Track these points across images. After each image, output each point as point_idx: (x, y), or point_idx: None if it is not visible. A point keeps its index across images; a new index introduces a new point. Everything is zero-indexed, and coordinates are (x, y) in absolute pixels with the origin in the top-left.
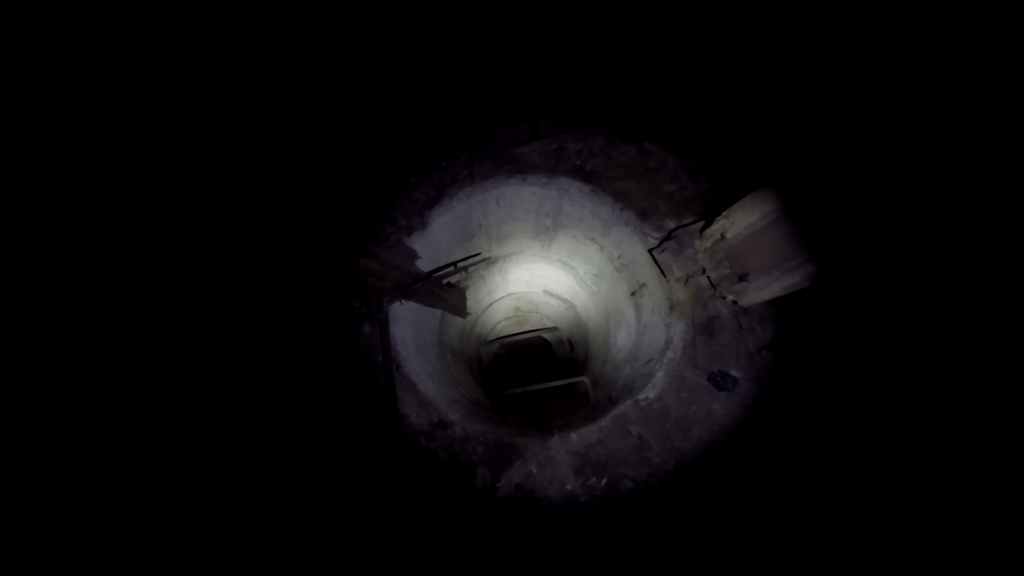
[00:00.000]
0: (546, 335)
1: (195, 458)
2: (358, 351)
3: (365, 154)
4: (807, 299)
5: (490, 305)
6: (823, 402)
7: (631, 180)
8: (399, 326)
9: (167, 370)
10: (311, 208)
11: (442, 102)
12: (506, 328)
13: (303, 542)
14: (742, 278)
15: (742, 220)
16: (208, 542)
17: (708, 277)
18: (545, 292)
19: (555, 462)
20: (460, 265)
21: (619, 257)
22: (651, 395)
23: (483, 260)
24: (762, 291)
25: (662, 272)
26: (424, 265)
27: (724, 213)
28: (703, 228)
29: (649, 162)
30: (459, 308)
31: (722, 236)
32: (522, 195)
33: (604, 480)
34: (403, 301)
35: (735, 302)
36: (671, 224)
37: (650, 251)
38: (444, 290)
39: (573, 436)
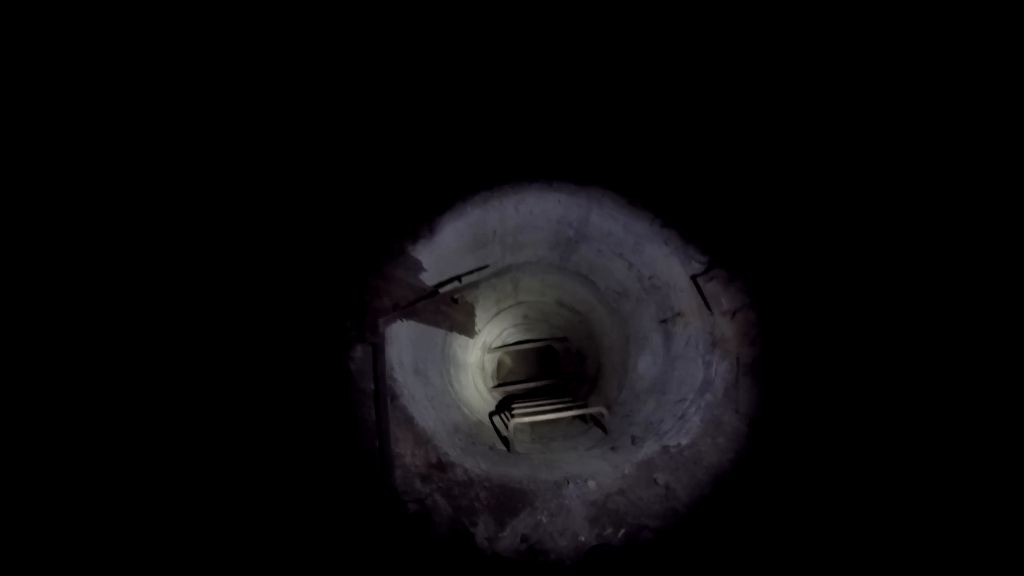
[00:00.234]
0: (554, 345)
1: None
2: (347, 379)
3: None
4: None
5: (498, 313)
6: (876, 456)
7: (676, 195)
8: (396, 345)
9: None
10: (298, 212)
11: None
12: (513, 335)
13: None
14: None
15: None
16: None
17: (760, 312)
18: (558, 303)
19: (568, 511)
20: (466, 280)
21: (650, 278)
22: (684, 441)
23: (491, 273)
24: None
25: (706, 303)
26: (429, 277)
27: None
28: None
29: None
30: (466, 327)
31: None
32: (545, 202)
33: (622, 531)
34: (402, 320)
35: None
36: (721, 248)
37: (693, 277)
38: (450, 307)
39: (591, 484)
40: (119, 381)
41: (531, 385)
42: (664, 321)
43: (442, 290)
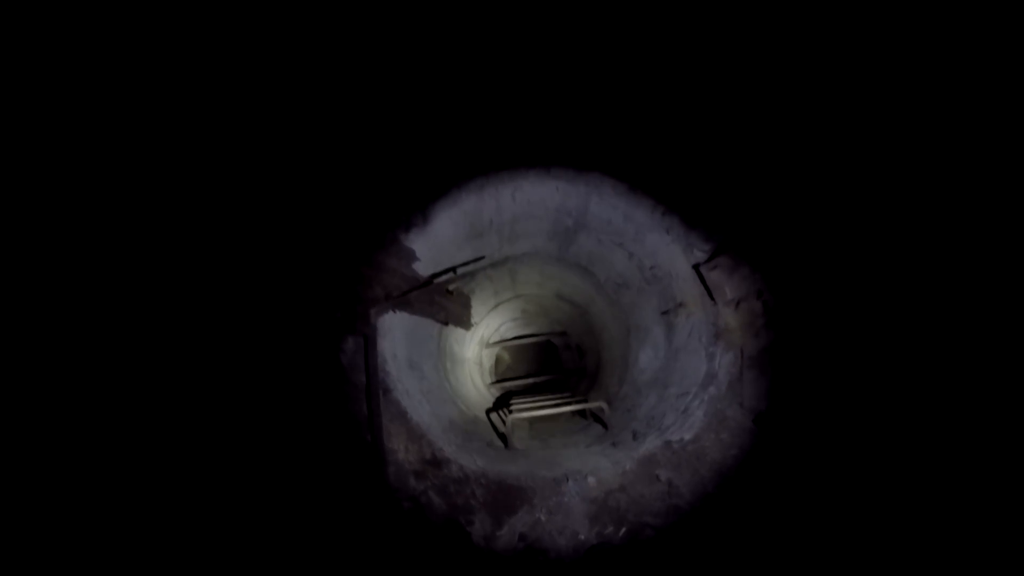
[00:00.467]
0: (554, 339)
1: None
2: (338, 371)
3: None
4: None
5: (496, 306)
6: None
7: (677, 181)
8: (390, 338)
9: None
10: (287, 199)
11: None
12: (511, 329)
13: None
14: None
15: None
16: None
17: (765, 302)
18: (557, 296)
19: (568, 509)
20: (461, 271)
21: (651, 268)
22: (687, 436)
23: (488, 264)
24: None
25: (709, 292)
26: (423, 267)
27: None
28: (754, 248)
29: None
30: (462, 319)
31: None
32: (543, 190)
33: (623, 530)
34: (395, 311)
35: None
36: (724, 236)
37: (696, 266)
38: (445, 298)
39: (591, 480)
40: (101, 375)
41: (530, 381)
42: (666, 312)
43: (437, 281)
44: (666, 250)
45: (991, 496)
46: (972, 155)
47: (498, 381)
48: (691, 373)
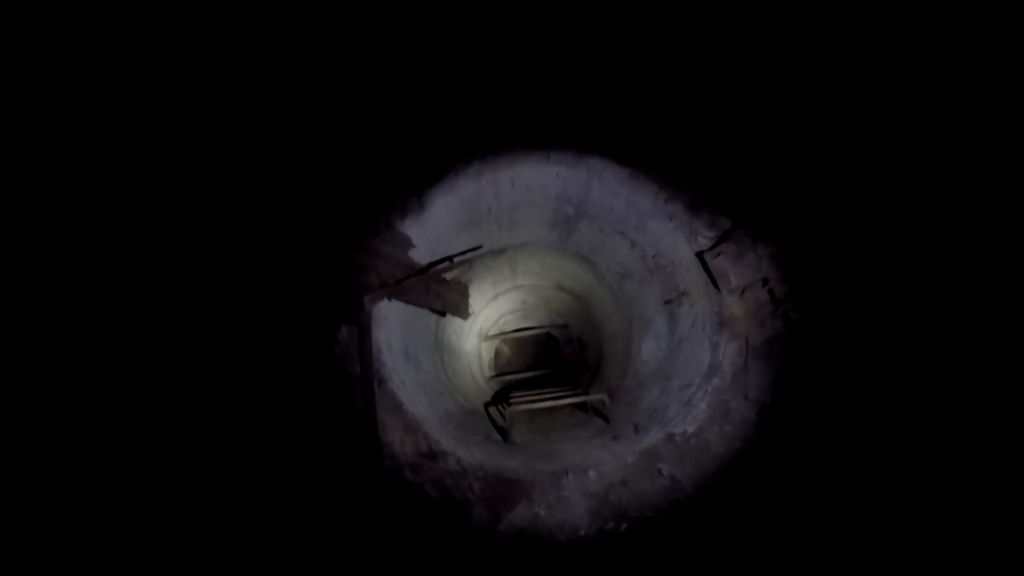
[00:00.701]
0: (554, 332)
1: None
2: (332, 361)
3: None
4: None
5: (495, 297)
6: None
7: (680, 166)
8: (385, 327)
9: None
10: (279, 184)
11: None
12: (511, 322)
13: None
14: None
15: None
16: None
17: (771, 290)
18: (557, 287)
19: (567, 504)
20: (458, 259)
21: (654, 256)
22: (689, 429)
23: (485, 252)
24: None
25: (713, 280)
26: (420, 255)
27: None
28: (766, 230)
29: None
30: (459, 309)
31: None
32: (543, 176)
33: (624, 525)
34: (391, 300)
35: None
36: (727, 222)
37: (699, 254)
38: (442, 287)
39: (591, 474)
40: (92, 364)
41: (530, 375)
42: (668, 302)
43: (433, 270)
44: (669, 237)
45: (994, 495)
46: (975, 149)
47: (497, 375)
48: (694, 364)
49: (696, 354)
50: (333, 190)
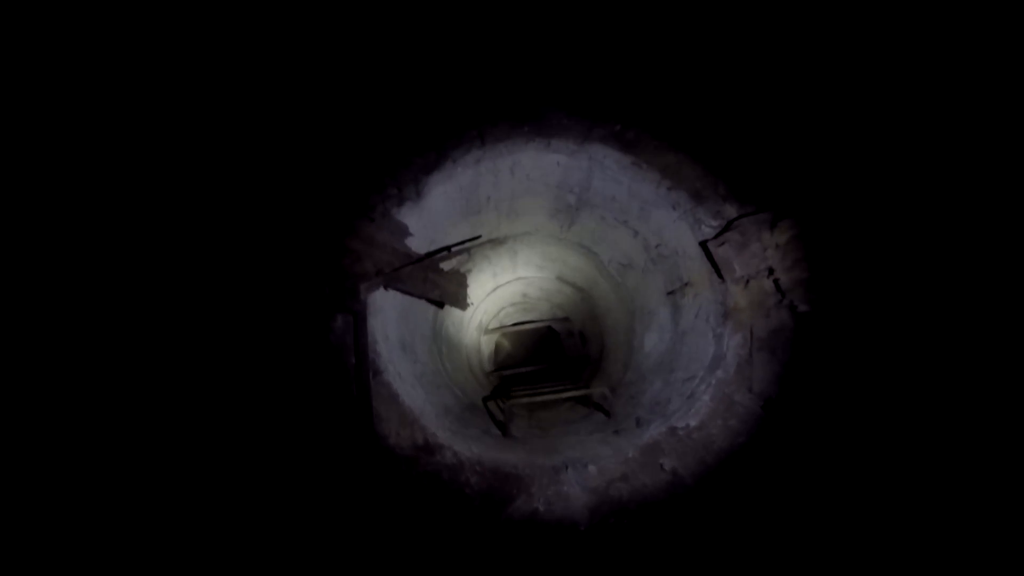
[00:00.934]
0: (555, 326)
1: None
2: (328, 351)
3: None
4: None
5: (495, 289)
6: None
7: (684, 153)
8: (381, 317)
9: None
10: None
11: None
12: (511, 315)
13: None
14: None
15: None
16: None
17: (776, 280)
18: (559, 279)
19: (567, 499)
20: (456, 249)
21: (657, 246)
22: (692, 423)
23: (485, 242)
24: None
25: (717, 270)
26: (417, 244)
27: None
28: (775, 218)
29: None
30: (458, 299)
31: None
32: (543, 164)
33: (624, 521)
34: (387, 288)
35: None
36: (732, 211)
37: (703, 243)
38: (440, 277)
39: (592, 468)
40: (87, 360)
41: (530, 369)
42: (672, 293)
43: (431, 259)
44: (672, 227)
45: (997, 492)
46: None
47: (497, 369)
48: (698, 356)
49: (699, 346)
50: (330, 178)
